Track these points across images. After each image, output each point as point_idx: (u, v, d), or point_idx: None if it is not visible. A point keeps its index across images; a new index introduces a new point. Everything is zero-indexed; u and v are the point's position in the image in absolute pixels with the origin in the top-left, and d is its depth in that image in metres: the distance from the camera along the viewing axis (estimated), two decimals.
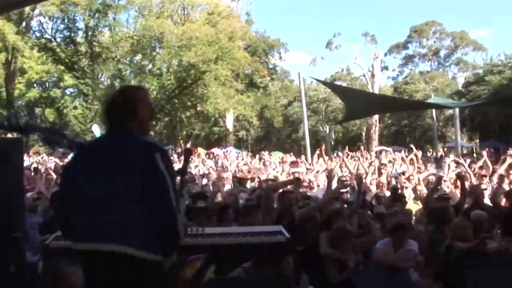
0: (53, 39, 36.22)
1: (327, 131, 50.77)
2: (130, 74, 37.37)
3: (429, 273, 5.28)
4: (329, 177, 8.07)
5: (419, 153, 15.77)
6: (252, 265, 4.39)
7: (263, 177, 10.42)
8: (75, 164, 3.00)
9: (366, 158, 15.72)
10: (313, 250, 5.85)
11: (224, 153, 25.22)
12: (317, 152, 14.18)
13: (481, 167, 12.09)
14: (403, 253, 5.42)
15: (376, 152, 23.94)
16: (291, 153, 24.30)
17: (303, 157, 19.48)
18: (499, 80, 41.47)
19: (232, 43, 36.67)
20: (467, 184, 8.59)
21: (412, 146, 15.06)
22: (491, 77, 42.61)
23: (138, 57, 37.94)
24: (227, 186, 10.34)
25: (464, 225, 5.71)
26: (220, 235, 3.57)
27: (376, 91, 39.82)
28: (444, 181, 9.75)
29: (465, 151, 33.81)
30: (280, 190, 7.37)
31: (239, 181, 10.07)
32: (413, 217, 8.02)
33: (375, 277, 4.99)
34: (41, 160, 20.86)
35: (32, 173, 11.19)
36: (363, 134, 47.43)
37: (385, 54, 58.23)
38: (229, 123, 46.54)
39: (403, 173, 11.59)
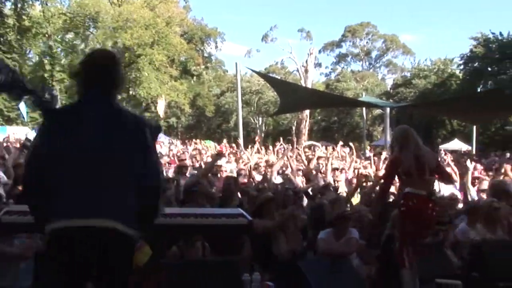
0: None
1: (259, 123, 51.17)
2: (61, 52, 36.04)
3: (371, 259, 5.54)
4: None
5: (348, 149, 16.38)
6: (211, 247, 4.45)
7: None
8: (57, 132, 2.65)
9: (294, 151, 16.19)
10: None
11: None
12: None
13: None
14: (345, 241, 5.62)
15: (305, 147, 24.29)
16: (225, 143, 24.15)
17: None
18: (425, 84, 43.58)
19: (169, 28, 36.28)
20: None
21: (342, 142, 15.67)
22: (417, 81, 44.70)
23: (71, 35, 36.64)
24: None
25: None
26: (181, 216, 3.58)
27: (309, 87, 40.46)
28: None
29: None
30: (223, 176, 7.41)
31: (179, 168, 10.05)
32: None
33: (320, 265, 5.18)
34: None
35: None
36: (293, 128, 48.13)
37: (319, 51, 59.53)
38: (161, 109, 45.88)
39: (337, 169, 11.92)
